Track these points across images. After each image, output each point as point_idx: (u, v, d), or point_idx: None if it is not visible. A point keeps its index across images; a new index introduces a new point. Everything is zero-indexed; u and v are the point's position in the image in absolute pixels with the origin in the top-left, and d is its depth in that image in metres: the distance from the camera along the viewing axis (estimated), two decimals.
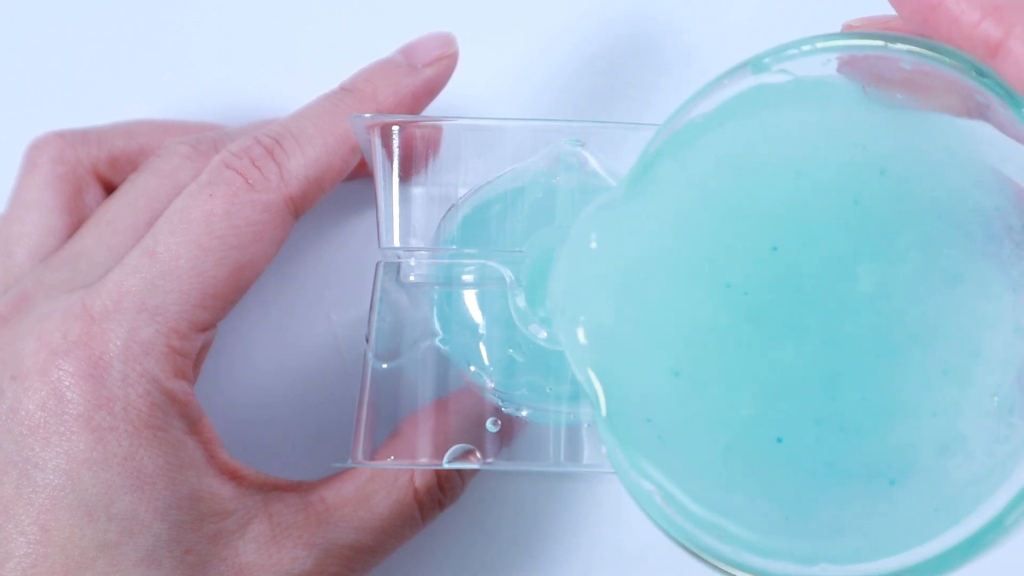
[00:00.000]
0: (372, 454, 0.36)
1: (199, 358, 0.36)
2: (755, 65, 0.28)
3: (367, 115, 0.36)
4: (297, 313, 0.43)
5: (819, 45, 0.27)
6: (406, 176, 0.37)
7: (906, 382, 0.27)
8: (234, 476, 0.35)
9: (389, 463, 0.36)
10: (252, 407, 0.42)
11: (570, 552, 0.42)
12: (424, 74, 0.38)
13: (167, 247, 0.34)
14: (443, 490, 0.38)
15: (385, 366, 0.37)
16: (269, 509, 0.35)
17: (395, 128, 0.36)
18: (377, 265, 0.37)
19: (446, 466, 0.36)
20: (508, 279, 0.36)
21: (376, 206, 0.37)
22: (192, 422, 0.35)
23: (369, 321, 0.37)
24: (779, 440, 0.27)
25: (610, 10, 0.44)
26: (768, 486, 0.27)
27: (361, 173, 0.40)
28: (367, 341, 0.37)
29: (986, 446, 0.27)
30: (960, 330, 0.27)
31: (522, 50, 0.44)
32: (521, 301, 0.36)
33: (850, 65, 0.28)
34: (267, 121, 0.40)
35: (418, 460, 0.36)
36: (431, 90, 0.38)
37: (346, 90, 0.38)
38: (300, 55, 0.44)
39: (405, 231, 0.37)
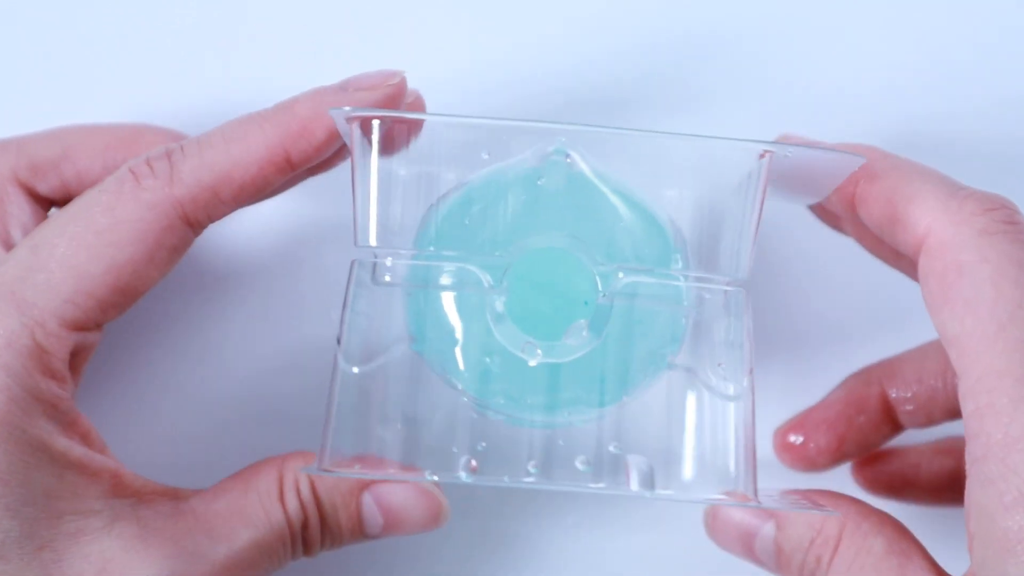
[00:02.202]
0: (338, 462, 0.35)
1: (77, 362, 0.36)
2: None
3: (347, 108, 0.34)
4: (297, 312, 0.43)
5: None
6: (385, 173, 0.36)
7: None
8: (113, 477, 0.35)
9: (355, 472, 0.35)
10: (250, 406, 0.42)
11: (549, 561, 0.42)
12: (354, 96, 0.36)
13: (46, 240, 0.34)
14: (324, 524, 0.37)
15: (356, 370, 0.36)
16: (137, 512, 0.35)
17: (376, 122, 0.35)
18: (352, 264, 0.36)
19: (417, 478, 0.35)
20: (487, 284, 0.35)
21: (352, 202, 0.36)
22: (63, 423, 0.34)
23: (340, 322, 0.36)
24: None
25: (603, 12, 0.44)
26: None
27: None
28: (338, 343, 0.36)
29: None
30: None
31: (512, 50, 0.44)
32: (500, 306, 0.35)
33: None
34: None
35: (387, 471, 0.35)
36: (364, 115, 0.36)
37: (269, 108, 0.37)
38: (299, 58, 0.44)
39: (382, 229, 0.36)
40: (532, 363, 0.35)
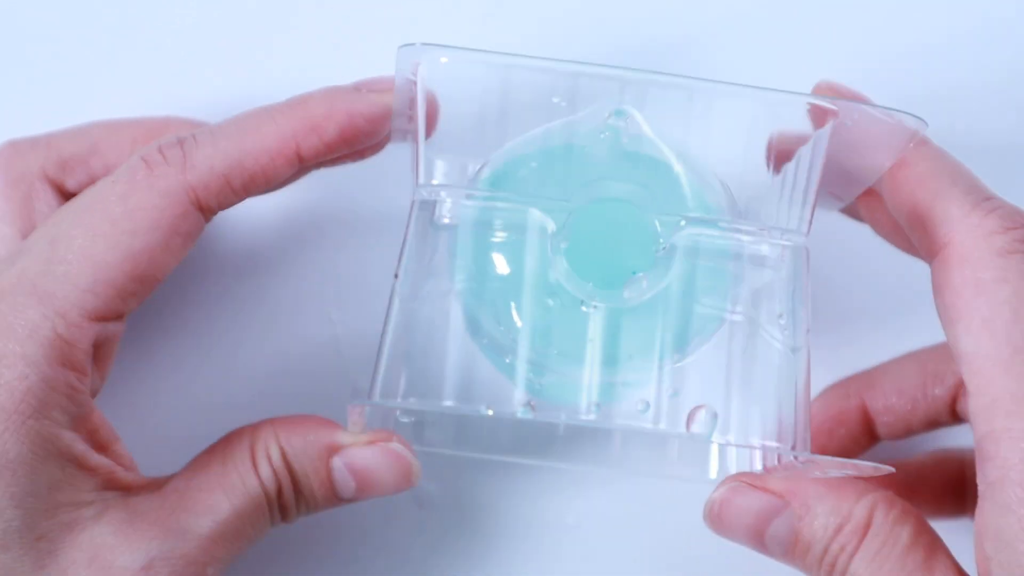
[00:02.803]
0: (389, 395, 0.34)
1: (103, 354, 0.36)
2: None
3: (417, 43, 0.34)
4: (297, 312, 0.43)
5: None
6: (449, 115, 0.36)
7: None
8: (107, 474, 0.35)
9: (409, 404, 0.34)
10: (251, 406, 0.42)
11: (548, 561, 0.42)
12: (367, 97, 0.37)
13: (64, 231, 0.35)
14: (297, 490, 0.37)
15: (411, 306, 0.35)
16: (126, 501, 0.35)
17: (443, 61, 0.35)
18: (412, 203, 0.36)
19: (472, 412, 0.34)
20: (549, 229, 0.35)
21: (415, 143, 0.36)
22: (75, 416, 0.35)
23: (399, 258, 0.35)
24: None
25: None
26: None
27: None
28: (395, 278, 0.35)
29: None
30: None
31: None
32: (561, 252, 0.35)
33: None
34: None
35: (443, 403, 0.34)
36: (374, 116, 0.37)
37: (282, 102, 0.37)
38: (299, 57, 0.44)
39: (443, 170, 0.36)
40: (589, 310, 0.34)
